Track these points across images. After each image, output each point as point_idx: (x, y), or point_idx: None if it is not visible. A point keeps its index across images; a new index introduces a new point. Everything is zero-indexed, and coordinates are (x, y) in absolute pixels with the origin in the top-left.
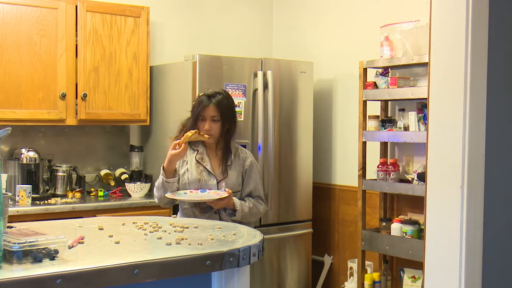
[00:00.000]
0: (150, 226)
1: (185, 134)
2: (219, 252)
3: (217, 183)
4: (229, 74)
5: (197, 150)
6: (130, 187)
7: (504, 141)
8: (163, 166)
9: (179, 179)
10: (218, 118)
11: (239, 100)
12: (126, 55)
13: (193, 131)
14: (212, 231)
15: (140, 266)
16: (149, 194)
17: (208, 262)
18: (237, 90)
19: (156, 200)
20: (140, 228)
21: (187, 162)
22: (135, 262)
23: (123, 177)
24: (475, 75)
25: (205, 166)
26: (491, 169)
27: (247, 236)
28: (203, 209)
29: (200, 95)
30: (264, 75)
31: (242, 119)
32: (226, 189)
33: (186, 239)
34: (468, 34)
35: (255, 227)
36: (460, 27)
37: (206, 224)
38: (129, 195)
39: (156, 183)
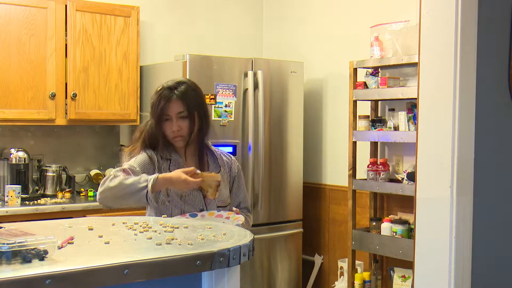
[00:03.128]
0: (140, 226)
1: (210, 174)
2: (209, 252)
3: (204, 198)
4: (219, 74)
5: (170, 159)
6: None
7: (493, 141)
8: (156, 178)
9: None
10: (185, 114)
11: (229, 100)
12: (116, 54)
13: (213, 175)
14: (202, 231)
15: (130, 266)
16: None
17: (198, 262)
18: (227, 90)
19: (101, 197)
20: (130, 228)
21: (160, 169)
22: (125, 262)
23: None
24: (464, 75)
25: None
26: (480, 168)
27: (237, 236)
28: None
29: (158, 89)
30: (255, 75)
31: (232, 119)
32: (234, 209)
33: (176, 239)
34: (458, 35)
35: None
36: (449, 27)
37: (197, 224)
38: None
39: (121, 184)
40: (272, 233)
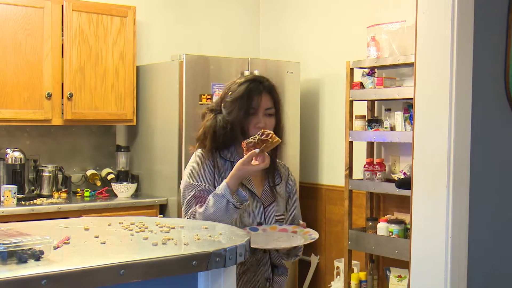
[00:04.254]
0: (136, 226)
1: (270, 140)
2: (206, 252)
3: (264, 210)
4: (216, 74)
5: (232, 161)
6: (116, 187)
7: (489, 141)
8: (228, 184)
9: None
10: (272, 111)
11: None
12: (112, 54)
13: (271, 134)
14: (198, 231)
15: (126, 266)
16: (136, 194)
17: (194, 262)
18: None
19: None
20: (126, 229)
21: (223, 177)
22: (121, 262)
23: (109, 177)
24: (461, 75)
25: (248, 186)
26: (477, 168)
27: (233, 236)
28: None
29: (239, 80)
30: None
31: None
32: (301, 222)
33: (172, 239)
34: (454, 35)
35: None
36: (445, 27)
37: (193, 224)
38: (116, 196)
39: (207, 216)
40: None
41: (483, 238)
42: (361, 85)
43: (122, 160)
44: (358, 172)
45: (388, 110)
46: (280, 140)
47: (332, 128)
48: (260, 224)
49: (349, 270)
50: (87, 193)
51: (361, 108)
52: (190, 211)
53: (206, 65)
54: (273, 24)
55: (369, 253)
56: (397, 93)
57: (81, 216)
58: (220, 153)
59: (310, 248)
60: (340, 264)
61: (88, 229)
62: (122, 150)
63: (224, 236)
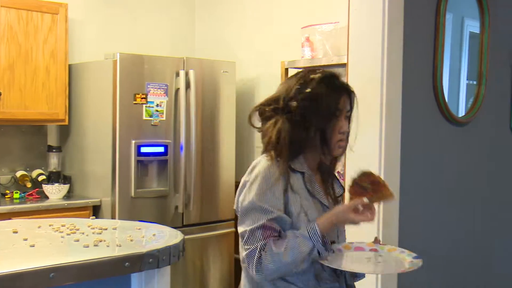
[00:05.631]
0: (67, 228)
1: (384, 192)
2: (138, 253)
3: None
4: (150, 73)
5: (303, 173)
6: (47, 188)
7: (419, 140)
8: (320, 227)
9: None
10: (350, 113)
11: (160, 99)
12: (43, 52)
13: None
14: (131, 232)
15: (56, 269)
16: (68, 195)
17: (126, 263)
18: (158, 90)
19: (265, 278)
20: (57, 231)
21: (296, 193)
22: (51, 265)
23: (40, 178)
24: (391, 75)
25: (321, 200)
26: (406, 167)
27: (167, 237)
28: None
29: (315, 76)
30: (186, 74)
31: (164, 118)
32: (376, 236)
33: (104, 240)
34: (384, 37)
35: (176, 227)
36: (376, 29)
37: (126, 225)
38: (47, 197)
39: (282, 262)
40: (204, 233)
41: (411, 238)
42: None
43: (53, 161)
44: None
45: None
46: (394, 196)
47: None
48: (333, 242)
49: None
50: (16, 195)
51: None
52: (259, 245)
53: (140, 64)
54: (208, 24)
55: None
56: None
57: (10, 219)
58: (290, 163)
59: None
60: None
61: (16, 232)
62: (54, 150)
63: (158, 236)
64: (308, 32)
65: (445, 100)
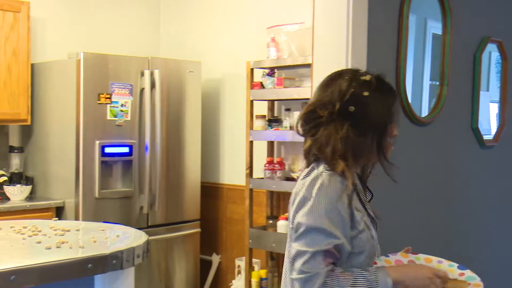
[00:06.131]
0: (29, 230)
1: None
2: (101, 254)
3: None
4: (115, 73)
5: (355, 184)
6: (9, 190)
7: None
8: (392, 280)
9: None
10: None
11: (125, 99)
12: (5, 51)
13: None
14: (95, 233)
15: (16, 272)
16: (30, 197)
17: (89, 265)
18: (123, 89)
19: None
20: (18, 233)
21: (357, 208)
22: (11, 268)
23: (1, 179)
24: None
25: (369, 212)
26: None
27: (132, 238)
28: None
29: (366, 78)
30: (151, 74)
31: (128, 118)
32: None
33: (67, 242)
34: (349, 37)
35: (140, 228)
36: (340, 30)
37: (89, 227)
38: (8, 199)
39: None
40: (170, 233)
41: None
42: (261, 85)
43: (15, 162)
44: (259, 171)
45: (288, 110)
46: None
47: (233, 127)
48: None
49: (250, 268)
50: None
51: (261, 108)
52: (323, 271)
53: (104, 63)
54: (174, 23)
55: (270, 251)
56: (296, 93)
57: None
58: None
59: (211, 247)
60: (241, 262)
61: None
62: (16, 151)
63: (122, 238)
64: (274, 32)
65: (408, 100)
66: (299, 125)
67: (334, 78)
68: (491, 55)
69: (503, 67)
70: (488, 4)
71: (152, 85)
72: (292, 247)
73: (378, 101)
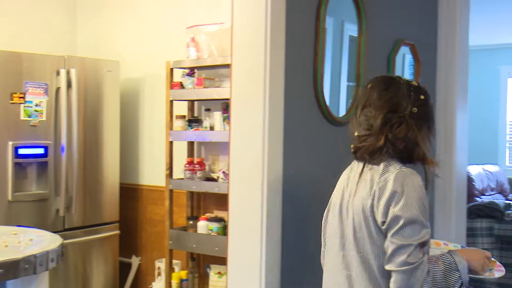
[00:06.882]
0: None
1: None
2: (13, 259)
3: None
4: (29, 71)
5: None
6: None
7: (299, 139)
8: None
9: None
10: None
11: (40, 99)
12: None
13: None
14: (6, 238)
15: None
16: None
17: (1, 270)
18: (38, 89)
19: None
20: None
21: None
22: None
23: None
24: (274, 77)
25: None
26: (289, 166)
27: (47, 242)
28: None
29: (413, 82)
30: (68, 73)
31: (44, 119)
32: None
33: None
34: (267, 38)
35: (56, 232)
36: (259, 30)
37: (1, 231)
38: None
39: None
40: (87, 236)
41: (295, 230)
42: (181, 85)
43: None
44: (179, 171)
45: (208, 110)
46: None
47: (152, 128)
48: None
49: (170, 269)
50: None
51: (181, 108)
52: (425, 259)
53: (18, 62)
54: (91, 21)
55: (190, 252)
56: (216, 94)
57: None
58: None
59: (131, 250)
60: (161, 264)
61: None
62: None
63: (35, 241)
64: (193, 32)
65: (325, 101)
66: (361, 128)
67: (390, 83)
68: (405, 57)
69: (416, 70)
70: (401, 7)
71: (69, 85)
72: (389, 241)
73: (429, 103)
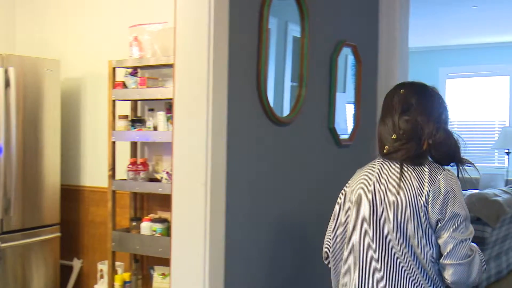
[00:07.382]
0: None
1: None
2: None
3: None
4: None
5: None
6: None
7: (244, 140)
8: None
9: None
10: None
11: None
12: None
13: None
14: None
15: None
16: None
17: None
18: None
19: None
20: None
21: None
22: None
23: None
24: (217, 77)
25: None
26: (232, 166)
27: None
28: None
29: (432, 88)
30: (6, 72)
31: None
32: None
33: None
34: (210, 38)
35: None
36: (202, 30)
37: None
38: None
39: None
40: (27, 239)
41: (239, 231)
42: (124, 85)
43: None
44: (122, 172)
45: (151, 110)
46: None
47: (94, 128)
48: None
49: (113, 272)
50: None
51: (124, 108)
52: (477, 250)
53: None
54: (30, 19)
55: (134, 254)
56: (160, 93)
57: None
58: None
59: (72, 252)
60: (103, 266)
61: None
62: None
63: None
64: (136, 31)
65: (268, 101)
66: (401, 131)
67: (425, 90)
68: (347, 58)
69: (358, 70)
70: (343, 9)
71: (7, 84)
72: (450, 237)
73: (443, 102)
